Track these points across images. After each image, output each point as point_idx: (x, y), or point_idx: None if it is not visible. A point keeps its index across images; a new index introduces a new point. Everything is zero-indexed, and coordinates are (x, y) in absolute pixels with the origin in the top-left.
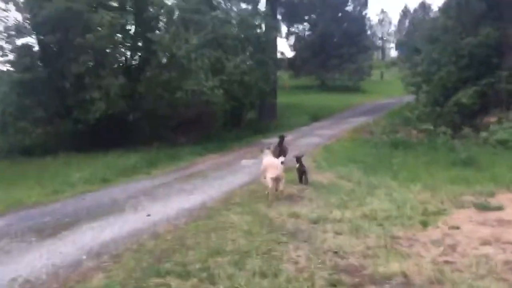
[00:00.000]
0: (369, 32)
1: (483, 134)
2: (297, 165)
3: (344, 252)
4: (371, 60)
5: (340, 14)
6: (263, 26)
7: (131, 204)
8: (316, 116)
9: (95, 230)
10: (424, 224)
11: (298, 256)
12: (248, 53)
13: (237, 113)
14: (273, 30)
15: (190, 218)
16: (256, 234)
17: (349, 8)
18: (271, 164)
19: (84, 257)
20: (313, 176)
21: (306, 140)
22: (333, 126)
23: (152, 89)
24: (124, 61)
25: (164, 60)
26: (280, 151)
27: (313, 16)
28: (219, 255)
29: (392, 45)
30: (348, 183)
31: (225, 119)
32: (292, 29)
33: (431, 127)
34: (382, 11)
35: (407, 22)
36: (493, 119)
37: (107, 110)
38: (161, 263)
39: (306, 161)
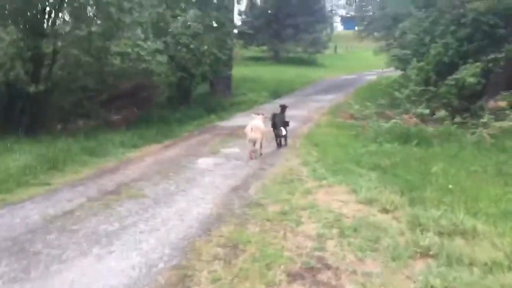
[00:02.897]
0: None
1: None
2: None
3: None
4: (329, 31)
5: None
6: None
7: None
8: (276, 92)
9: None
10: None
11: None
12: (199, 11)
13: (185, 87)
14: None
15: None
16: None
17: None
18: (247, 128)
19: None
20: (320, 196)
21: None
22: (301, 105)
23: (65, 50)
24: (23, 6)
25: (87, 9)
26: (274, 122)
27: None
28: None
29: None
30: (392, 221)
31: (170, 94)
32: None
33: (426, 111)
34: None
35: None
36: (501, 103)
37: None
38: None
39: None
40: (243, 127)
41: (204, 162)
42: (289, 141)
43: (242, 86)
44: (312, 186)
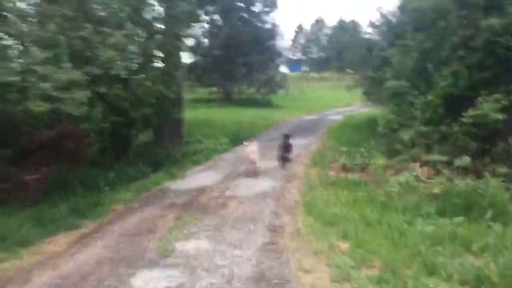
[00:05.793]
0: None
1: None
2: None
3: None
4: (280, 71)
5: (246, 15)
6: None
7: None
8: (237, 137)
9: None
10: None
11: None
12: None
13: (122, 136)
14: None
15: None
16: None
17: (257, 8)
18: (247, 151)
19: None
20: None
21: (246, 183)
22: (273, 153)
23: None
24: None
25: None
26: (285, 147)
27: (216, 17)
28: None
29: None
30: None
31: (102, 145)
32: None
33: (443, 158)
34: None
35: (302, 39)
36: None
37: None
38: None
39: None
40: (206, 189)
41: (145, 285)
42: (286, 219)
43: (195, 131)
44: None
